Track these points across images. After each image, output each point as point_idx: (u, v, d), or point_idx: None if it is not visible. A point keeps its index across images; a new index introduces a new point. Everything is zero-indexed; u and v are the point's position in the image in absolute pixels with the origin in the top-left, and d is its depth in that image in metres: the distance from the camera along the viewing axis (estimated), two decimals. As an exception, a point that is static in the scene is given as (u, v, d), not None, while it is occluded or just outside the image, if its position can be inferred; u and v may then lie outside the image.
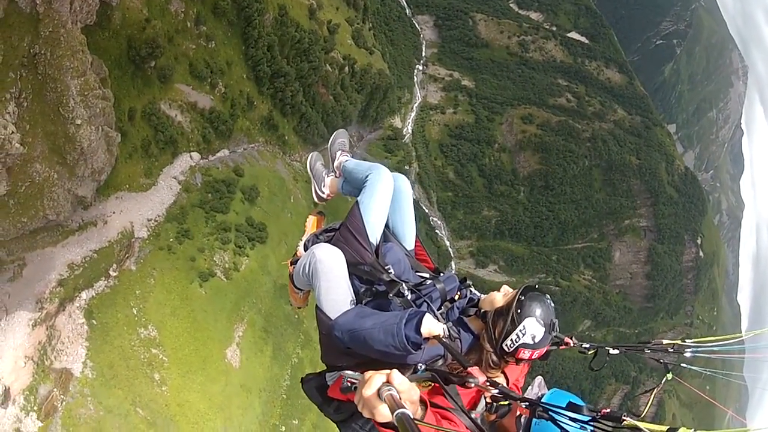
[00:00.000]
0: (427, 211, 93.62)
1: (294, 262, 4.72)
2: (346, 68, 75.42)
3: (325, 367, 4.13)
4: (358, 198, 4.40)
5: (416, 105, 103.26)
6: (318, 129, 69.68)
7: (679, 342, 3.90)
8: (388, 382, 2.23)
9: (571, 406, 2.94)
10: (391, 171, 4.58)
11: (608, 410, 2.80)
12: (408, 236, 4.60)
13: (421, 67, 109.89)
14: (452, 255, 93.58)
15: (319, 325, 3.96)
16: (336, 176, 5.32)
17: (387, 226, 4.49)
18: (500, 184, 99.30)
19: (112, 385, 39.32)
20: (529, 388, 3.56)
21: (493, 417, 3.36)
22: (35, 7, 31.74)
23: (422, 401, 2.55)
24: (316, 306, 3.97)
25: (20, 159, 31.97)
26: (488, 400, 3.34)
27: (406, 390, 2.25)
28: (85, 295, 40.50)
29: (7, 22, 30.70)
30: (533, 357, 3.52)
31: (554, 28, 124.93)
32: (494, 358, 3.60)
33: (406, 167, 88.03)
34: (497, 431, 3.32)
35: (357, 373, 2.95)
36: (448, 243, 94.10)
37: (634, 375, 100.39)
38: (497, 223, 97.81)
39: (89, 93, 35.29)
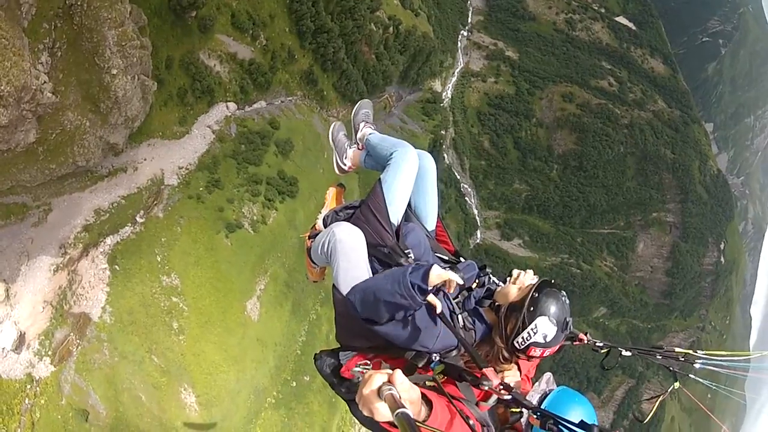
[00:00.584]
0: (458, 177, 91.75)
1: (312, 236, 4.61)
2: (391, 29, 72.13)
3: (339, 346, 4.05)
4: (381, 176, 4.20)
5: (458, 71, 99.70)
6: (357, 86, 67.12)
7: (690, 352, 3.86)
8: (389, 382, 2.16)
9: (583, 425, 2.87)
10: (417, 147, 4.36)
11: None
12: (430, 217, 4.46)
13: (465, 33, 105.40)
14: (479, 224, 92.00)
15: (335, 304, 3.86)
16: (358, 148, 5.12)
17: (409, 205, 4.32)
18: (534, 159, 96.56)
19: (129, 332, 38.44)
20: (537, 383, 3.49)
21: (501, 410, 3.30)
22: None
23: (427, 401, 2.50)
24: (333, 285, 3.82)
25: (52, 107, 30.25)
26: (503, 408, 3.24)
27: (407, 390, 2.20)
28: (110, 241, 39.24)
29: None
30: (545, 355, 3.41)
31: (603, 10, 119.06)
32: (505, 353, 3.52)
33: (443, 132, 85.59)
34: (499, 421, 3.28)
35: (368, 368, 3.23)
36: (476, 211, 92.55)
37: (640, 370, 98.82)
38: (527, 198, 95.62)
39: (126, 43, 33.05)
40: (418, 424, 1.93)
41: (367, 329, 3.59)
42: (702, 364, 3.86)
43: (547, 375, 3.57)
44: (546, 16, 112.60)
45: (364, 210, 4.07)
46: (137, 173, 42.08)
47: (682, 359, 3.89)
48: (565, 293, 3.44)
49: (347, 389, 3.82)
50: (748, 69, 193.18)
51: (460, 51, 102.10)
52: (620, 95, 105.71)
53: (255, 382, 45.24)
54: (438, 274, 3.25)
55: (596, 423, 2.91)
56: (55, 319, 35.68)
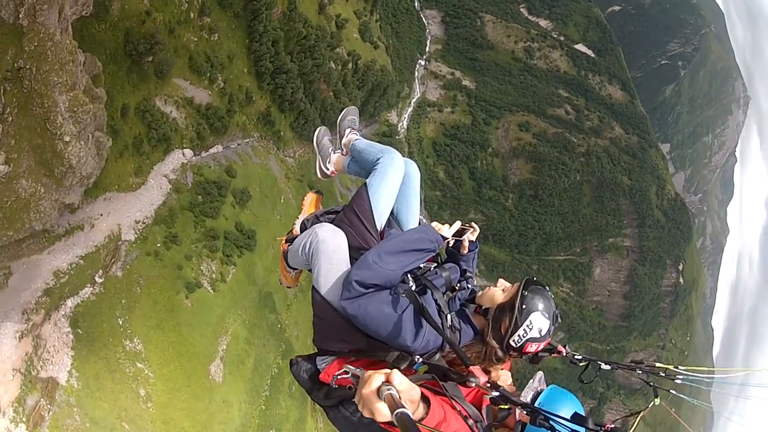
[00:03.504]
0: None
1: (289, 240, 4.73)
2: (350, 65, 74.82)
3: (317, 351, 4.14)
4: (367, 181, 4.33)
5: (414, 100, 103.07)
6: (315, 125, 68.32)
7: (671, 368, 3.88)
8: (387, 382, 2.27)
9: (576, 417, 3.01)
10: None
11: (612, 425, 2.93)
12: (412, 223, 4.56)
13: (423, 62, 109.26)
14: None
15: (314, 307, 3.96)
16: (343, 154, 5.20)
17: (391, 212, 4.45)
18: (489, 188, 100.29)
19: (97, 397, 39.54)
20: (530, 382, 3.57)
21: (495, 408, 3.40)
22: (18, 19, 29.43)
23: (426, 400, 2.57)
24: (313, 287, 3.95)
25: (5, 177, 30.92)
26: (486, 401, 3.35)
27: (406, 389, 2.31)
28: (71, 303, 40.26)
29: None
30: (539, 350, 3.62)
31: (562, 38, 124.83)
32: (500, 354, 3.66)
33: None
34: (492, 418, 3.37)
35: (359, 369, 3.07)
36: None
37: (601, 391, 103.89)
38: (482, 228, 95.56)
39: (79, 109, 33.66)
40: (417, 424, 2.01)
41: (348, 331, 3.73)
42: (682, 379, 3.90)
43: (539, 374, 3.62)
44: (504, 44, 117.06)
45: (349, 213, 4.18)
46: (94, 230, 42.88)
47: (663, 375, 3.93)
48: (548, 288, 3.66)
49: (326, 395, 3.86)
50: (707, 89, 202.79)
51: (417, 81, 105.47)
52: (577, 123, 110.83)
53: (222, 442, 46.30)
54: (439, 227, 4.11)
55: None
56: (25, 385, 36.46)
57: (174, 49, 48.88)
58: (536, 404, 3.27)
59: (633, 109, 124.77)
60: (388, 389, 2.20)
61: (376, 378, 2.29)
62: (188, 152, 52.77)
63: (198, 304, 47.71)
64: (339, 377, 3.32)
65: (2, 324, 35.76)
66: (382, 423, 2.27)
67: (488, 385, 3.14)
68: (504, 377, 3.82)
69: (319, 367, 4.03)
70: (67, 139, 33.81)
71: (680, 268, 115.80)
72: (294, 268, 4.79)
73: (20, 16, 28.74)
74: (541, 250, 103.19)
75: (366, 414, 2.29)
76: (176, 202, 49.91)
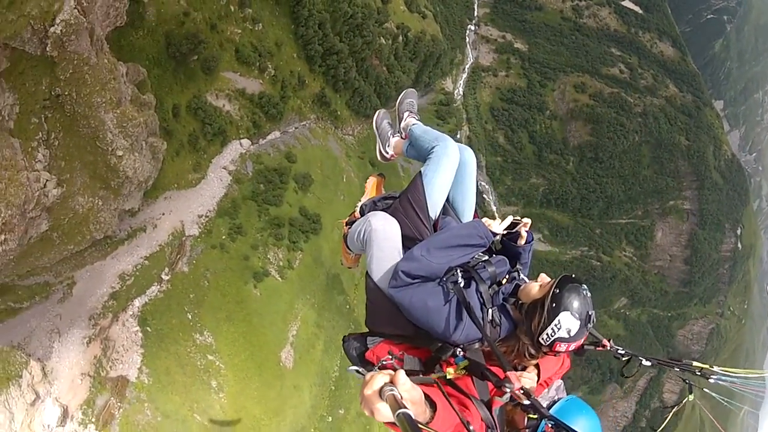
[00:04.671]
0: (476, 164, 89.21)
1: (349, 223, 4.63)
2: (400, 38, 70.07)
3: (368, 331, 4.06)
4: (422, 170, 4.19)
5: (468, 66, 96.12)
6: (371, 101, 65.37)
7: (707, 367, 3.91)
8: (391, 383, 2.15)
9: None
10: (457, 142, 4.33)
11: None
12: (467, 211, 4.44)
13: (473, 27, 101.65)
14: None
15: (367, 292, 3.94)
16: (402, 137, 5.05)
17: (447, 199, 4.31)
18: (550, 152, 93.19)
19: (169, 391, 37.63)
20: (546, 390, 3.53)
21: (509, 408, 3.30)
22: (44, 51, 25.65)
23: (431, 403, 2.50)
24: (367, 273, 3.91)
25: (59, 198, 28.37)
26: (511, 405, 3.19)
27: (408, 390, 2.19)
28: (138, 303, 38.20)
29: (17, 70, 25.24)
30: (570, 349, 3.36)
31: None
32: (531, 350, 3.46)
33: (458, 134, 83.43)
34: (507, 421, 3.30)
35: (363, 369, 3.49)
36: (494, 208, 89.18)
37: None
38: (544, 192, 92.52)
39: (128, 123, 30.53)
40: (420, 425, 1.92)
41: (396, 317, 3.66)
42: (716, 379, 3.87)
43: (558, 382, 3.51)
44: (552, 4, 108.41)
45: (404, 202, 4.07)
46: (157, 230, 40.75)
47: (699, 373, 3.92)
48: (586, 287, 3.36)
49: None
50: (754, 44, 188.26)
51: (468, 46, 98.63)
52: (632, 82, 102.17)
53: (294, 424, 44.78)
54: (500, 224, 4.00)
55: None
56: (95, 387, 34.87)
57: (219, 43, 45.88)
58: (551, 414, 3.11)
59: (685, 66, 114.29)
60: (391, 390, 2.09)
61: (379, 378, 2.18)
62: (246, 142, 49.88)
63: (267, 293, 45.15)
64: (384, 362, 3.58)
65: (69, 332, 33.91)
66: (387, 423, 2.23)
67: (521, 392, 2.91)
68: (528, 378, 3.60)
69: (368, 345, 3.99)
70: (120, 153, 31.08)
71: (738, 232, 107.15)
72: (353, 251, 4.71)
73: (47, 49, 25.31)
74: (604, 213, 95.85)
75: (367, 413, 2.22)
76: (238, 193, 47.27)
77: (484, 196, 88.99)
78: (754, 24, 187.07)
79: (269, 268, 46.18)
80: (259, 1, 49.91)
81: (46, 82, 26.42)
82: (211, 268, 42.75)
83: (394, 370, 2.75)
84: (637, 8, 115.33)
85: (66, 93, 27.10)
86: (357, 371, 3.73)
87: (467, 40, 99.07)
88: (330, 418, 48.71)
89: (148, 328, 38.08)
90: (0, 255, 25.15)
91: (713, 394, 4.08)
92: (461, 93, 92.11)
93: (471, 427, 2.77)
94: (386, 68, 67.53)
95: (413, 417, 1.91)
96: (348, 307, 53.72)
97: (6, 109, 25.09)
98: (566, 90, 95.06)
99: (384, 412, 2.08)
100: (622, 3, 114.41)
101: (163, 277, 40.08)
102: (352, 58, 60.30)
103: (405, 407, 1.95)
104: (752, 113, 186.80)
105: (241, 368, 41.27)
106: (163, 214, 41.15)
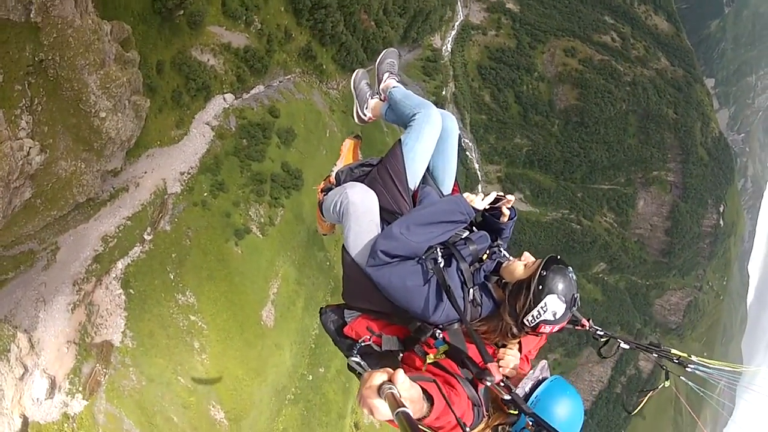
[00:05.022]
0: (459, 131, 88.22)
1: (325, 190, 4.42)
2: (390, -8, 67.22)
3: (345, 304, 4.01)
4: (402, 138, 4.00)
5: (458, 23, 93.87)
6: (357, 56, 63.44)
7: (685, 355, 3.94)
8: (389, 381, 2.13)
9: None
10: (438, 108, 4.20)
11: None
12: (447, 181, 4.29)
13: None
14: (480, 178, 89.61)
15: (343, 266, 3.82)
16: (381, 99, 4.86)
17: (427, 168, 4.13)
18: (535, 113, 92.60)
19: (152, 354, 37.48)
20: (531, 371, 3.42)
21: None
22: (29, 17, 24.79)
23: (428, 397, 2.50)
24: (343, 246, 3.78)
25: (42, 164, 27.39)
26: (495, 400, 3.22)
27: (407, 389, 2.20)
28: (121, 264, 37.32)
29: (0, 39, 24.22)
30: (554, 331, 3.38)
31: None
32: (514, 330, 3.44)
33: (443, 91, 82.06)
34: (492, 398, 3.26)
35: (365, 363, 3.42)
36: (477, 166, 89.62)
37: (638, 327, 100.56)
38: (528, 152, 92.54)
39: (111, 84, 29.32)
40: (420, 425, 1.93)
41: (374, 293, 3.59)
42: (693, 368, 3.90)
43: (543, 362, 3.51)
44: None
45: (382, 172, 3.91)
46: (139, 189, 39.52)
47: (676, 361, 3.95)
48: (571, 268, 3.35)
49: (348, 347, 3.81)
50: (751, 29, 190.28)
51: (459, 3, 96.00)
52: (623, 51, 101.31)
53: (275, 384, 45.33)
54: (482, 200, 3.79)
55: None
56: (80, 354, 34.49)
57: (205, -3, 43.71)
58: (534, 396, 3.19)
59: (679, 41, 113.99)
60: (389, 388, 2.07)
61: (377, 376, 2.15)
62: (229, 96, 48.18)
63: (248, 251, 44.71)
64: (363, 342, 3.60)
65: (54, 299, 33.07)
66: (387, 421, 2.18)
67: (501, 385, 2.93)
68: (511, 355, 3.61)
69: (346, 319, 3.92)
70: (102, 115, 29.80)
71: (721, 209, 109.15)
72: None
73: (31, 15, 24.23)
74: (586, 177, 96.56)
75: (366, 411, 2.17)
76: (221, 149, 45.89)
77: (468, 153, 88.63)
78: (753, 10, 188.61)
79: (251, 225, 45.64)
80: (247, -46, 47.42)
81: (29, 48, 25.23)
82: (193, 226, 42.01)
83: (374, 350, 3.00)
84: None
85: (49, 57, 25.99)
86: (357, 364, 3.67)
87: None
88: (310, 376, 49.49)
89: (131, 290, 37.47)
90: (-14, 230, 24.42)
91: (688, 383, 4.16)
92: (449, 50, 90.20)
93: (467, 429, 2.79)
94: (374, 23, 65.36)
95: (412, 416, 1.93)
96: (328, 263, 53.72)
97: (-12, 78, 24.19)
98: (556, 53, 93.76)
99: (383, 410, 2.07)
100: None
101: (146, 237, 39.22)
102: (340, 12, 58.26)
103: (404, 406, 1.96)
104: (743, 95, 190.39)
105: (223, 328, 41.21)
106: (146, 172, 39.82)
